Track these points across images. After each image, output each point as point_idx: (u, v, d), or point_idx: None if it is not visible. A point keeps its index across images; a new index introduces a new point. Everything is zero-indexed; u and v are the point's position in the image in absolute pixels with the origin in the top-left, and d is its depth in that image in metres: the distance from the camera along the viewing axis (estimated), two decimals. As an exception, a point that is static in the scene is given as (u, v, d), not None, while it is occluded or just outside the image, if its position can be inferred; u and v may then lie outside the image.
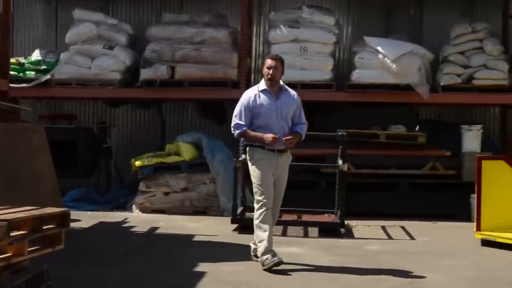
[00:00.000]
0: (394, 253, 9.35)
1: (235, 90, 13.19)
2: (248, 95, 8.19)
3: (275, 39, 13.49)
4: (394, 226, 11.56)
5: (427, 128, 13.83)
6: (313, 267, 8.28)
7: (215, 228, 11.02)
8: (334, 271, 8.10)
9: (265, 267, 7.85)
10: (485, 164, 10.13)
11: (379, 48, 13.14)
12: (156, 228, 11.08)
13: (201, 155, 13.04)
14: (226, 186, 12.49)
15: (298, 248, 9.60)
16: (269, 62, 8.20)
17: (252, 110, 8.10)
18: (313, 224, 10.97)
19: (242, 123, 8.11)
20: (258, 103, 8.10)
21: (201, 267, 8.11)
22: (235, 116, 8.19)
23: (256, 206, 8.08)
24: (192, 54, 13.39)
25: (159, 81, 13.35)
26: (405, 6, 15.30)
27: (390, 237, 10.68)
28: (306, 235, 10.76)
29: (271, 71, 8.13)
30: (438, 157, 13.02)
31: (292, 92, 8.34)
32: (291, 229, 10.99)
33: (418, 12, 15.21)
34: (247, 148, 8.26)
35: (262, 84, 8.22)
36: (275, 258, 7.84)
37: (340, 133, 11.12)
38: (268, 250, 7.93)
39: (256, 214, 8.06)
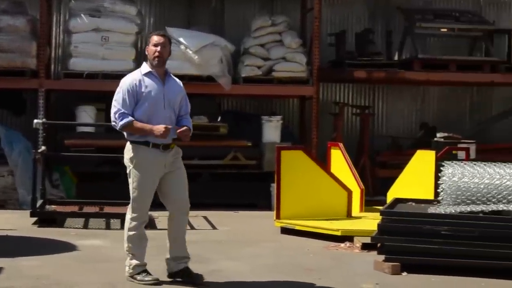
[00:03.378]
0: (197, 243, 9.40)
1: (34, 80, 12.86)
2: (131, 79, 7.02)
3: (76, 28, 13.23)
4: (196, 216, 11.62)
5: (229, 119, 14.03)
6: (115, 259, 8.19)
7: (14, 222, 10.67)
8: (137, 263, 8.05)
9: (141, 283, 7.07)
10: (284, 154, 10.41)
11: (181, 39, 13.17)
12: (-50, 223, 10.61)
13: (-1, 146, 12.61)
14: (25, 178, 12.11)
15: (100, 240, 9.48)
16: (155, 39, 7.07)
17: (136, 97, 6.97)
18: (115, 215, 10.84)
19: (127, 112, 6.95)
20: (143, 88, 6.96)
21: (-2, 262, 7.84)
22: (117, 104, 6.98)
23: (131, 214, 7.09)
24: (-12, 42, 12.89)
25: (-48, 70, 12.76)
26: (207, -2, 15.42)
27: (192, 227, 10.73)
28: (108, 227, 10.63)
29: (158, 48, 7.00)
30: (240, 148, 13.23)
31: (176, 78, 7.32)
32: (93, 221, 10.83)
33: (220, 5, 15.35)
34: (127, 145, 7.10)
35: (145, 67, 7.08)
36: (150, 279, 7.05)
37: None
38: (140, 265, 7.13)
39: (130, 223, 7.10)
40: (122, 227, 10.40)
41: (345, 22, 15.69)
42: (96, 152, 12.65)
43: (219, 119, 14.00)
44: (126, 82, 7.04)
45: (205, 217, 11.54)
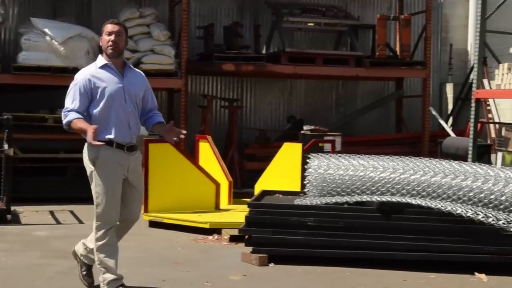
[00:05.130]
0: (62, 238, 9.26)
1: None
2: (84, 74, 6.34)
3: None
4: (63, 210, 11.44)
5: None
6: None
7: None
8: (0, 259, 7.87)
9: None
10: (152, 147, 10.36)
11: (46, 30, 12.88)
12: None
13: None
14: None
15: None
16: (109, 27, 6.37)
17: (91, 93, 6.29)
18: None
19: (75, 108, 6.23)
20: (98, 82, 6.29)
21: None
22: (66, 102, 6.31)
23: (96, 222, 6.44)
24: None
25: None
26: (74, -12, 15.14)
27: (58, 222, 10.56)
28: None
29: (112, 37, 6.33)
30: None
31: (138, 70, 6.69)
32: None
33: (87, -4, 15.13)
34: (86, 146, 6.36)
35: (101, 60, 6.42)
36: None
37: (5, 117, 10.77)
38: (116, 280, 6.38)
39: (96, 233, 6.42)
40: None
41: (213, 15, 15.72)
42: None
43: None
44: (78, 78, 6.36)
45: (71, 212, 11.34)
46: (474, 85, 12.18)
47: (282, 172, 11.04)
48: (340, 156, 8.57)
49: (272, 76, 15.22)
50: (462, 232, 7.87)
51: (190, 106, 14.14)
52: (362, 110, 16.23)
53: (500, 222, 7.64)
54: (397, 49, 15.41)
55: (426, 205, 7.83)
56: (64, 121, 6.25)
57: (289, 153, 11.12)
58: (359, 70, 14.70)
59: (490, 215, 7.68)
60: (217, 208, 10.74)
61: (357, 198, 8.09)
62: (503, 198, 7.78)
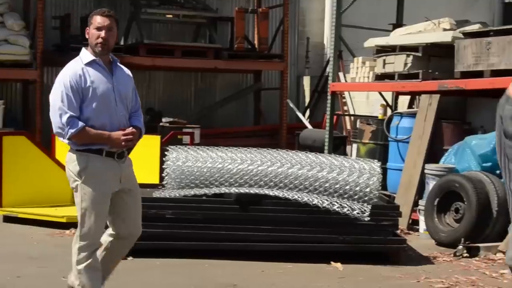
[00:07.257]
0: None
1: None
2: (72, 71, 5.43)
3: None
4: None
5: None
6: None
7: None
8: None
9: None
10: (6, 140, 10.07)
11: None
12: None
13: None
14: None
15: None
16: (98, 20, 5.44)
17: (82, 92, 5.39)
18: None
19: (75, 113, 5.35)
20: (88, 81, 5.39)
21: None
22: (63, 105, 5.36)
23: (80, 242, 5.52)
24: None
25: None
26: None
27: None
28: None
29: (103, 33, 5.43)
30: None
31: (124, 67, 5.80)
32: None
33: None
34: (72, 154, 5.54)
35: (87, 55, 5.51)
36: None
37: None
38: None
39: (79, 255, 5.52)
40: None
41: (70, 5, 15.46)
42: None
43: None
44: (66, 75, 5.43)
45: None
46: (330, 78, 12.47)
47: (141, 164, 10.93)
48: (198, 148, 8.59)
49: (130, 67, 14.94)
50: (318, 222, 8.04)
51: (45, 98, 13.76)
52: (221, 102, 16.33)
53: (355, 212, 7.85)
54: (255, 42, 15.57)
55: (283, 196, 7.95)
56: (72, 131, 5.36)
57: (148, 145, 11.02)
58: (218, 62, 14.78)
59: (345, 205, 7.88)
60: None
61: (215, 190, 8.13)
62: (357, 188, 7.99)
